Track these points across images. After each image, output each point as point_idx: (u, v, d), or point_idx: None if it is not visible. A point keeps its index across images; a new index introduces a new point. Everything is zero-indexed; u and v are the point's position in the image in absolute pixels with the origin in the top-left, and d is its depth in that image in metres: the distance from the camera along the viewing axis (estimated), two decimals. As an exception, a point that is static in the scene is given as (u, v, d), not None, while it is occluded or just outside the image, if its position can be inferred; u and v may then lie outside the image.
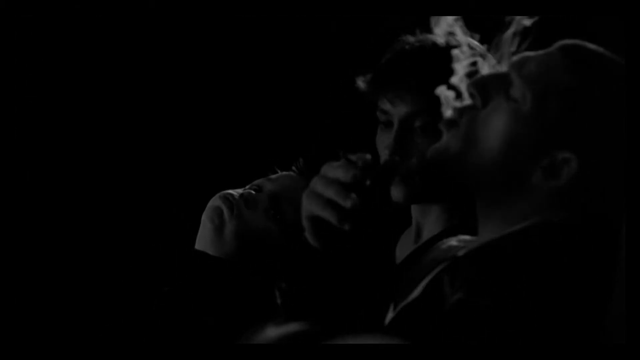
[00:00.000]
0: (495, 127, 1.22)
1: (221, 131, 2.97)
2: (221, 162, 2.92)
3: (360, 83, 1.79)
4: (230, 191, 1.96)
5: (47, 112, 2.93)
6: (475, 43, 1.72)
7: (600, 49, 1.26)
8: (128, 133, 2.96)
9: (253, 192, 1.95)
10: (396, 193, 1.64)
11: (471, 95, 1.26)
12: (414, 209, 1.78)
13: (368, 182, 1.26)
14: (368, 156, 1.29)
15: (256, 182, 1.99)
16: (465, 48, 1.40)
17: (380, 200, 1.30)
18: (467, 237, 1.35)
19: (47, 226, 2.89)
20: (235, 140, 2.96)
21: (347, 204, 1.24)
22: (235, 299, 1.87)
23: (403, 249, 1.80)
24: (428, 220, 1.75)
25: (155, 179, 2.96)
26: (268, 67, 2.95)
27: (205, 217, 1.95)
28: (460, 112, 1.27)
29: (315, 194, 1.27)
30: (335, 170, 1.26)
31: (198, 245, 1.95)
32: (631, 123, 1.18)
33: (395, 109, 1.71)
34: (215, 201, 1.95)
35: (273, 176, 2.02)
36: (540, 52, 1.26)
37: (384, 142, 1.72)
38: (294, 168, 2.05)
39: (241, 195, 1.94)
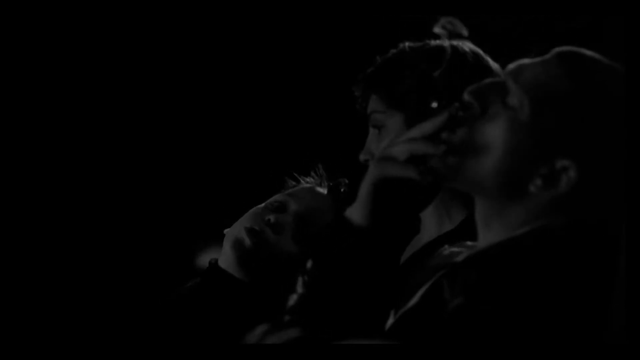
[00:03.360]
0: (494, 135, 1.22)
1: (224, 133, 2.97)
2: (223, 164, 2.92)
3: (356, 82, 1.80)
4: (253, 213, 1.92)
5: (49, 114, 2.93)
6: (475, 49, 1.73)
7: (597, 56, 1.25)
8: (130, 137, 2.96)
9: (277, 213, 1.91)
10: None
11: (469, 103, 1.26)
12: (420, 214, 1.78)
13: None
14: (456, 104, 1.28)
15: (277, 198, 1.95)
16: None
17: None
18: (467, 243, 1.35)
19: (49, 229, 2.90)
20: (237, 142, 2.97)
21: (439, 149, 1.23)
22: (242, 309, 1.85)
23: (407, 254, 1.80)
24: (429, 225, 1.76)
25: (159, 182, 2.97)
26: (267, 69, 2.96)
27: (228, 247, 1.90)
28: (458, 120, 1.27)
29: (390, 158, 1.25)
30: (417, 129, 1.25)
31: (221, 264, 1.92)
32: (631, 126, 1.19)
33: (389, 111, 1.72)
34: (239, 233, 1.90)
35: (292, 191, 1.98)
36: (537, 59, 1.25)
37: (377, 144, 1.74)
38: (312, 174, 2.01)
39: (268, 220, 1.89)
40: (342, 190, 1.95)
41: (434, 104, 1.28)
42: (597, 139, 1.20)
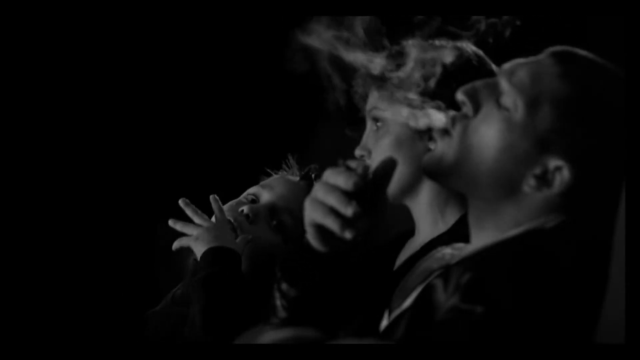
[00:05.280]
0: (488, 135, 1.22)
1: (208, 131, 2.98)
2: (208, 160, 2.93)
3: (357, 78, 1.80)
4: (227, 207, 1.93)
5: (48, 114, 2.93)
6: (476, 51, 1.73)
7: (591, 55, 1.25)
8: (109, 138, 2.96)
9: (251, 204, 1.93)
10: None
11: (462, 103, 1.26)
12: (414, 217, 1.78)
13: (368, 190, 1.25)
14: (367, 162, 1.28)
15: (251, 191, 1.96)
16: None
17: (380, 206, 1.28)
18: (460, 245, 1.35)
19: (33, 227, 2.90)
20: (221, 139, 2.97)
21: (348, 212, 1.22)
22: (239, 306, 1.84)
23: (402, 257, 1.79)
24: (423, 227, 1.75)
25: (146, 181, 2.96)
26: (267, 70, 2.95)
27: None
28: (452, 120, 1.26)
29: (317, 202, 1.25)
30: (336, 177, 1.25)
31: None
32: (630, 126, 1.18)
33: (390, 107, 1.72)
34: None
35: (265, 182, 2.00)
36: (531, 59, 1.25)
37: (374, 140, 1.73)
38: (284, 166, 2.03)
39: (241, 212, 1.91)
40: (313, 175, 1.97)
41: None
42: (591, 139, 1.20)
